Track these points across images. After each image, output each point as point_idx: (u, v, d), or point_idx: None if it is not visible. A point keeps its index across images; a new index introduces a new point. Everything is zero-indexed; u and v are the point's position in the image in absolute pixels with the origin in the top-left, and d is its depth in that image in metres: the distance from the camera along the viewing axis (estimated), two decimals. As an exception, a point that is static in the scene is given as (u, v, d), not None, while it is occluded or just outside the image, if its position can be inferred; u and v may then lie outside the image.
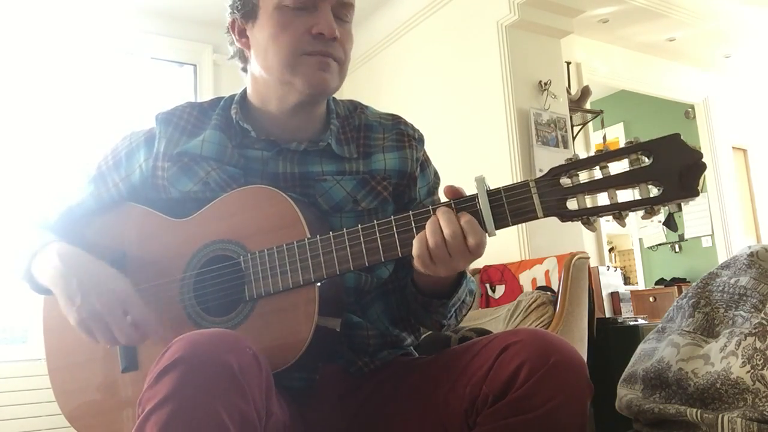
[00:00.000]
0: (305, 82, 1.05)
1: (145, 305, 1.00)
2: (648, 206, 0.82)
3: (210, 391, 0.76)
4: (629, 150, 0.82)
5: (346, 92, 4.39)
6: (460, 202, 0.90)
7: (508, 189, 0.87)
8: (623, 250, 6.70)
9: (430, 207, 0.91)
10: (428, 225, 0.89)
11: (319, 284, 0.96)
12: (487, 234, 0.88)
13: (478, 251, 0.88)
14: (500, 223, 0.87)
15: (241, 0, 1.09)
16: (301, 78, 1.05)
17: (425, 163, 1.19)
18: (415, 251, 0.90)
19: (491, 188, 0.88)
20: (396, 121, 1.18)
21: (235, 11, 1.10)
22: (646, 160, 0.81)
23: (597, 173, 0.84)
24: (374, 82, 4.10)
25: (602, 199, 0.85)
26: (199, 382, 0.76)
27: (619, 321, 2.85)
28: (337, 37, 1.05)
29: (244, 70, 1.15)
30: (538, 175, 0.87)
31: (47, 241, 1.08)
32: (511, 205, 0.87)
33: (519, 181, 0.87)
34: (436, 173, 1.22)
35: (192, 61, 4.05)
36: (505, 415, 0.85)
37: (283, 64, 1.06)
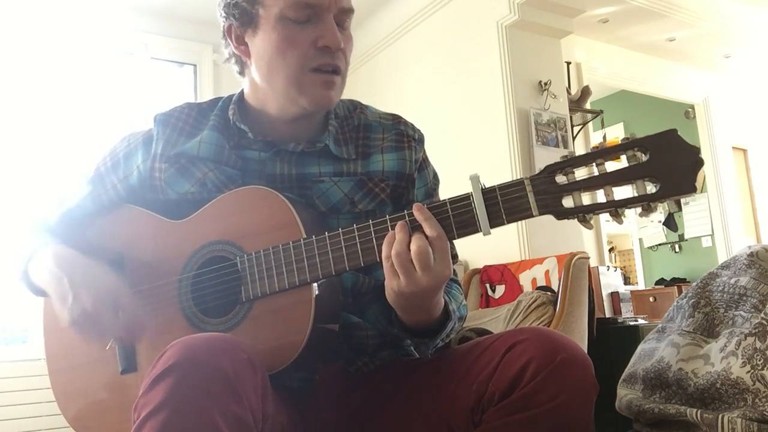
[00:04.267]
0: (311, 101, 1.05)
1: (138, 304, 0.99)
2: (645, 203, 0.81)
3: (205, 397, 0.75)
4: (626, 146, 0.81)
5: (346, 92, 4.36)
6: (455, 201, 0.89)
7: (503, 187, 0.87)
8: (623, 250, 6.69)
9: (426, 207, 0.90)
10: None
11: (315, 284, 0.96)
12: (482, 233, 0.88)
13: (427, 258, 0.86)
14: (495, 221, 0.87)
15: (238, 7, 1.05)
16: (306, 97, 1.05)
17: (424, 164, 1.18)
18: (388, 296, 0.92)
19: (486, 186, 0.88)
20: (396, 121, 1.17)
21: (232, 18, 1.07)
22: (643, 156, 0.81)
23: (594, 170, 0.83)
24: (374, 82, 4.09)
25: (600, 196, 0.84)
26: (193, 387, 0.76)
27: (619, 321, 2.84)
28: (342, 47, 1.05)
29: (242, 74, 1.13)
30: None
31: (45, 243, 1.08)
32: (506, 204, 0.86)
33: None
34: (435, 175, 1.21)
35: (192, 61, 4.05)
36: (511, 411, 0.85)
37: (289, 81, 1.04)
